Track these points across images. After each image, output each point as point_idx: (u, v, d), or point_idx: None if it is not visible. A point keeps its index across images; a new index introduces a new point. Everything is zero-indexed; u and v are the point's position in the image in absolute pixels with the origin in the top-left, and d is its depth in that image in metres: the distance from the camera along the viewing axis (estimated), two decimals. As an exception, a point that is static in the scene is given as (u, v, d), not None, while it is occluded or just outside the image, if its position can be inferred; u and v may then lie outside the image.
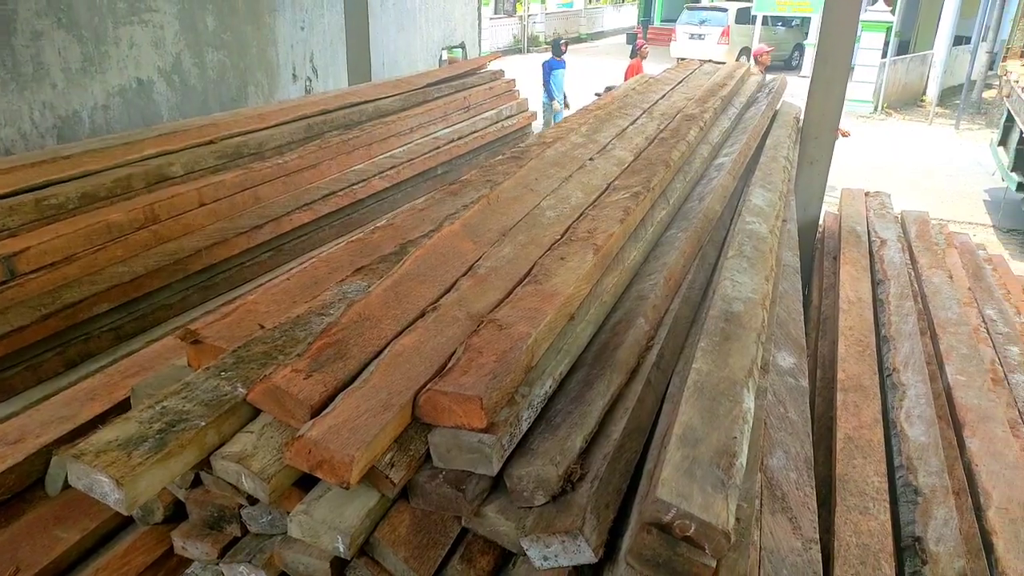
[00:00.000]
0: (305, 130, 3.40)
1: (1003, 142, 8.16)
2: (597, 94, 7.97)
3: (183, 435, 1.19)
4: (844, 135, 8.54)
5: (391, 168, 3.57)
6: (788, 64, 17.62)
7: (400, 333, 1.45)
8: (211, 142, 3.04)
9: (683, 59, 17.98)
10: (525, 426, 1.38)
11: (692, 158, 2.95)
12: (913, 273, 3.42)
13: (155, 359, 2.05)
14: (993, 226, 8.10)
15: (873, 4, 13.98)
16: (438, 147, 4.01)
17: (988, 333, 3.08)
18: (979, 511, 1.86)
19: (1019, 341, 3.06)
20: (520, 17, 24.39)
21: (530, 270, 1.77)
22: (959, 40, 15.12)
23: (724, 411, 1.38)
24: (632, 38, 21.88)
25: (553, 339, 1.57)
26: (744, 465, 1.29)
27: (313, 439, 1.15)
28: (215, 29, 4.98)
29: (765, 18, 16.61)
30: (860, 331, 2.72)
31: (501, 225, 2.02)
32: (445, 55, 7.91)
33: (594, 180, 2.42)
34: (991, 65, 14.79)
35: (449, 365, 1.37)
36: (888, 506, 1.79)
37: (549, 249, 1.90)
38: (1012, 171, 7.48)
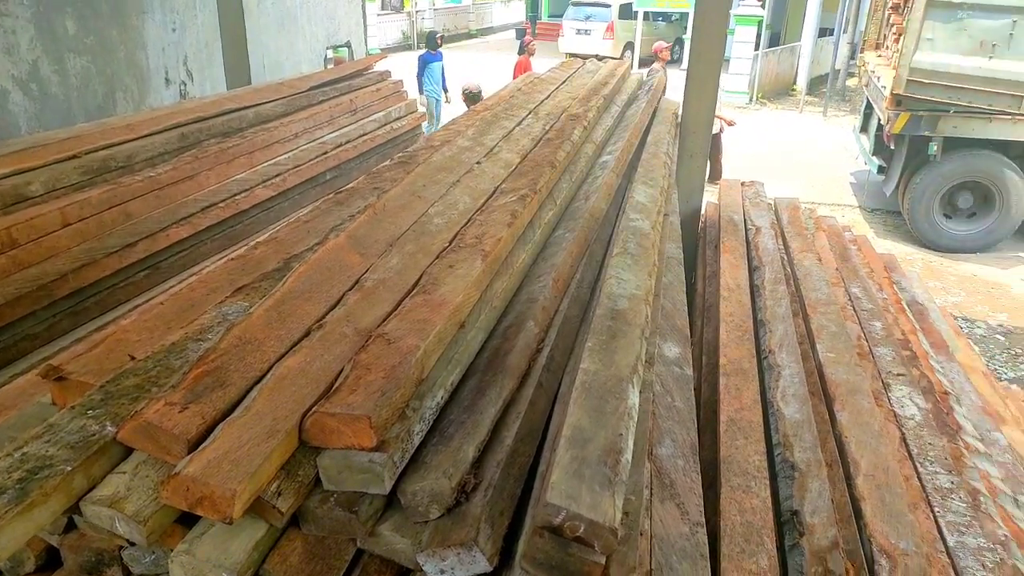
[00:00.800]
0: (179, 139, 3.23)
1: (864, 128, 8.82)
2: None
3: (47, 483, 1.11)
4: (730, 124, 9.02)
5: (276, 176, 3.46)
6: (670, 58, 18.30)
7: (284, 355, 1.42)
8: (74, 156, 2.84)
9: (572, 54, 18.44)
10: (417, 440, 1.38)
11: (577, 157, 3.03)
12: (786, 257, 3.64)
13: (19, 396, 1.90)
14: (859, 207, 8.75)
15: None
16: (325, 152, 3.92)
17: (854, 310, 3.33)
18: (849, 480, 2.01)
19: (882, 316, 3.32)
20: (408, 13, 24.16)
21: (419, 280, 1.77)
22: (824, 32, 16.19)
23: (611, 409, 1.43)
24: (521, 33, 22.14)
25: (444, 349, 1.58)
26: (630, 461, 1.35)
27: (191, 475, 1.10)
28: (76, 33, 4.65)
29: (646, 13, 17.17)
30: (739, 317, 2.87)
31: (389, 234, 2.00)
32: (330, 54, 7.72)
33: (482, 184, 2.44)
34: (852, 55, 15.93)
35: (336, 384, 1.35)
36: (768, 483, 1.91)
37: (438, 257, 1.90)
38: (873, 155, 8.09)
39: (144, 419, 1.19)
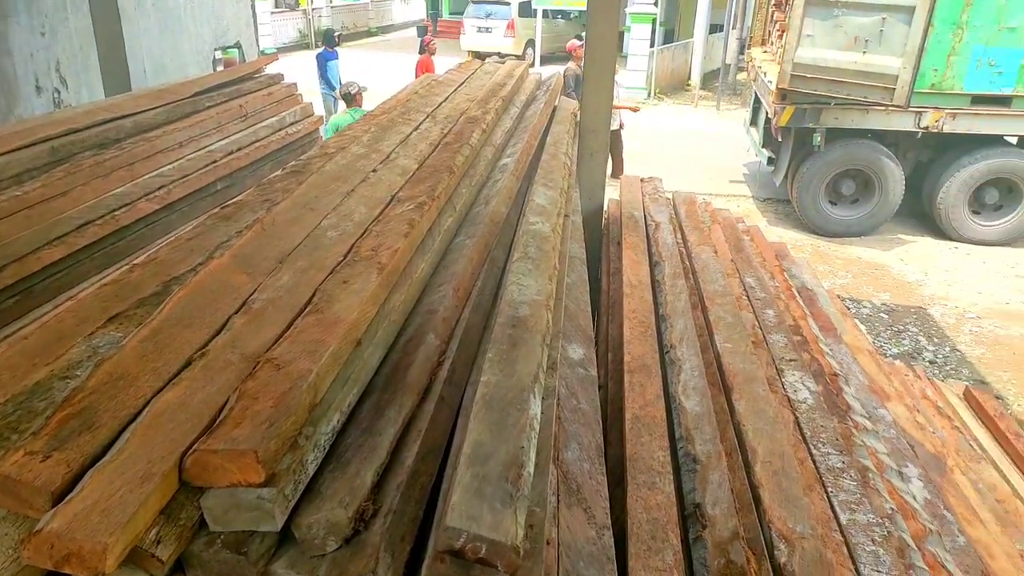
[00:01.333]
0: (50, 154, 3.00)
1: (754, 121, 9.22)
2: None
3: None
4: (634, 110, 9.33)
5: (160, 188, 3.27)
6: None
7: (162, 389, 1.33)
8: (-74, 175, 2.59)
9: (474, 52, 18.33)
10: (312, 468, 1.32)
11: (477, 161, 3.01)
12: (685, 251, 3.75)
13: None
14: (752, 197, 9.15)
15: (638, -3, 15.14)
16: (214, 161, 3.73)
17: (749, 300, 3.46)
18: (748, 468, 2.09)
19: (774, 304, 3.47)
20: (305, 11, 23.51)
21: (311, 298, 1.70)
22: (715, 28, 16.84)
23: (512, 421, 1.41)
24: (422, 31, 21.94)
25: (339, 370, 1.52)
26: (532, 473, 1.34)
27: (55, 531, 1.01)
28: (-74, 37, 4.25)
29: (545, 11, 17.35)
30: (642, 313, 2.93)
31: (279, 251, 1.92)
32: (219, 55, 7.39)
33: (378, 193, 2.38)
34: (742, 51, 16.64)
35: (220, 418, 1.27)
36: (672, 478, 1.95)
37: (332, 272, 1.83)
38: (763, 147, 8.47)
39: (1, 472, 1.09)
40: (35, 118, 3.73)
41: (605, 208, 4.55)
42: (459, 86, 4.07)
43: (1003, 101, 7.11)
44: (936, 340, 5.71)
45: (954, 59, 6.96)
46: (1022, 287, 6.74)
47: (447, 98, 3.77)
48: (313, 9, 23.48)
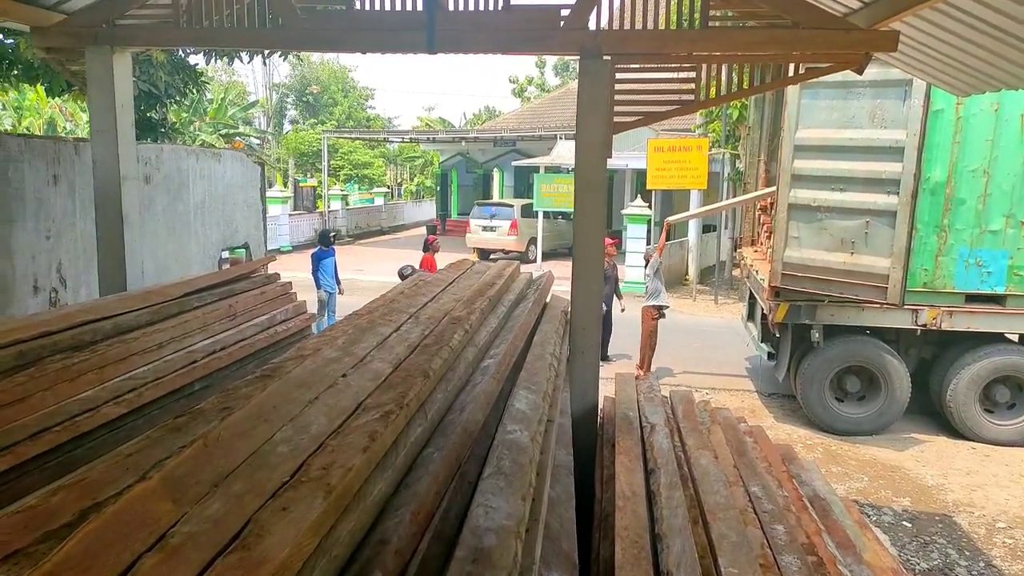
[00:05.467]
0: (16, 358, 2.90)
1: (751, 316, 9.27)
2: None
3: None
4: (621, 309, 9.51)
5: (130, 391, 3.14)
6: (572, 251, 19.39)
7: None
8: None
9: (480, 248, 19.02)
10: None
11: (457, 364, 2.89)
12: (683, 455, 3.52)
13: None
14: (757, 392, 8.95)
15: (633, 201, 16.07)
16: (195, 362, 3.64)
17: (755, 512, 3.17)
18: None
19: (783, 517, 3.17)
20: (321, 213, 25.09)
21: (242, 530, 1.49)
22: (707, 228, 17.67)
23: None
24: (431, 230, 23.19)
25: (258, 625, 1.28)
26: None
27: None
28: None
29: (547, 212, 18.36)
30: (635, 530, 2.65)
31: (217, 471, 1.73)
32: (226, 255, 7.67)
33: (343, 401, 2.23)
34: (734, 248, 17.33)
35: None
36: None
37: (272, 497, 1.64)
38: (762, 342, 8.43)
39: None
40: (11, 320, 3.71)
41: (600, 407, 4.37)
42: (447, 286, 4.08)
43: (997, 299, 7.14)
44: (968, 554, 5.22)
45: (942, 259, 7.08)
46: (1052, 491, 6.31)
47: (434, 298, 3.75)
48: (330, 211, 25.09)
